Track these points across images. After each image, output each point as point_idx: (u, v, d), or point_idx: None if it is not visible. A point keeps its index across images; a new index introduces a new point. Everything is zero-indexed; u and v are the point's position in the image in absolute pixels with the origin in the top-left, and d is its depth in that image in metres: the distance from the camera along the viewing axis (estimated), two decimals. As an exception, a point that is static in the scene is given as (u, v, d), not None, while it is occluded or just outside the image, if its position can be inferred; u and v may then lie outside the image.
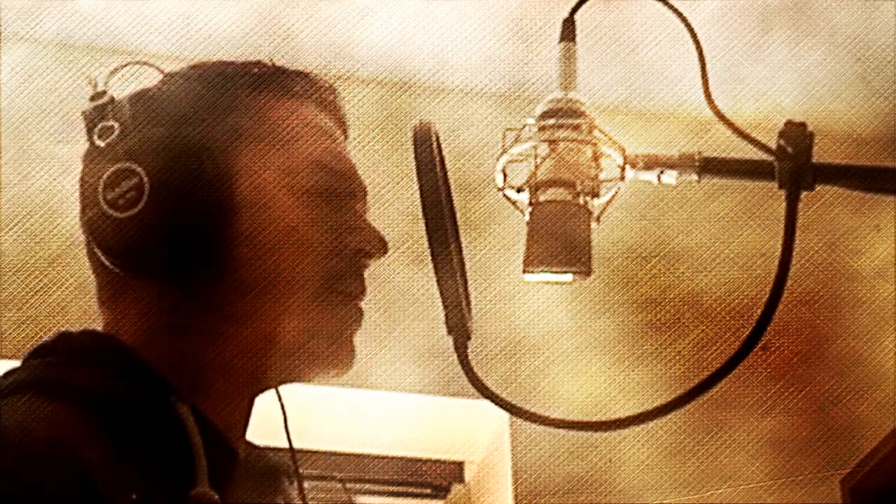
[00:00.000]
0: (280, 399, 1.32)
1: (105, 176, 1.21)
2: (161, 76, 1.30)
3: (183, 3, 2.68)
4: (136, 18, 2.70)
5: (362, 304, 1.30)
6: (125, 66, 1.29)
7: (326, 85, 1.34)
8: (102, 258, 1.23)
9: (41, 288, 2.55)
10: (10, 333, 2.51)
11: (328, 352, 1.27)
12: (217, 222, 1.22)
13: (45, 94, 2.68)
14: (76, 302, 2.45)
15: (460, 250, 1.23)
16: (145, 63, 1.30)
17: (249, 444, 1.29)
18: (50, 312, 2.53)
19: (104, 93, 1.25)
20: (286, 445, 1.33)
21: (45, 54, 2.73)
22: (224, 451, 1.21)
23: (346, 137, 1.36)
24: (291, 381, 1.29)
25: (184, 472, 1.16)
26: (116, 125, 1.23)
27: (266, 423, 1.31)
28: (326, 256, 1.27)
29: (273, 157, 1.27)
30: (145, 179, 1.21)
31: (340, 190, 1.30)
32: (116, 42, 2.71)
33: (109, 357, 1.22)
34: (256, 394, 1.29)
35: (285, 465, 1.32)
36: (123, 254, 1.22)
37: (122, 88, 1.28)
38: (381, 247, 1.30)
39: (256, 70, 1.32)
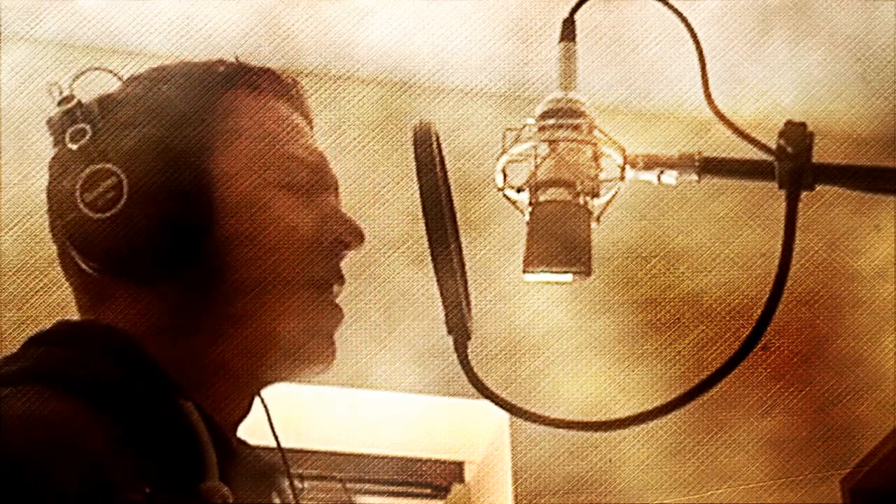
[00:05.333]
0: (262, 400, 1.31)
1: (82, 178, 1.21)
2: (120, 82, 1.29)
3: (183, 3, 2.68)
4: (136, 18, 2.70)
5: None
6: (85, 71, 1.28)
7: (290, 79, 1.35)
8: (82, 264, 1.23)
9: (41, 288, 2.55)
10: (10, 333, 2.51)
11: (311, 350, 1.27)
12: (197, 221, 1.22)
13: (45, 94, 2.67)
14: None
15: (460, 250, 1.23)
16: (105, 69, 1.29)
17: (241, 443, 1.29)
18: (50, 312, 2.52)
19: (72, 97, 1.24)
20: (277, 444, 1.33)
21: (45, 54, 2.73)
22: (226, 449, 1.21)
23: (311, 129, 1.36)
24: (283, 380, 1.29)
25: (191, 466, 1.16)
26: (88, 127, 1.23)
27: (256, 423, 1.31)
28: (306, 250, 1.27)
29: (249, 153, 1.27)
30: (123, 179, 1.20)
31: (315, 182, 1.30)
32: (116, 42, 2.71)
33: (115, 350, 1.21)
34: (256, 393, 1.29)
35: (279, 464, 1.32)
36: (105, 256, 1.21)
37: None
38: (358, 236, 1.30)
39: (222, 69, 1.31)
